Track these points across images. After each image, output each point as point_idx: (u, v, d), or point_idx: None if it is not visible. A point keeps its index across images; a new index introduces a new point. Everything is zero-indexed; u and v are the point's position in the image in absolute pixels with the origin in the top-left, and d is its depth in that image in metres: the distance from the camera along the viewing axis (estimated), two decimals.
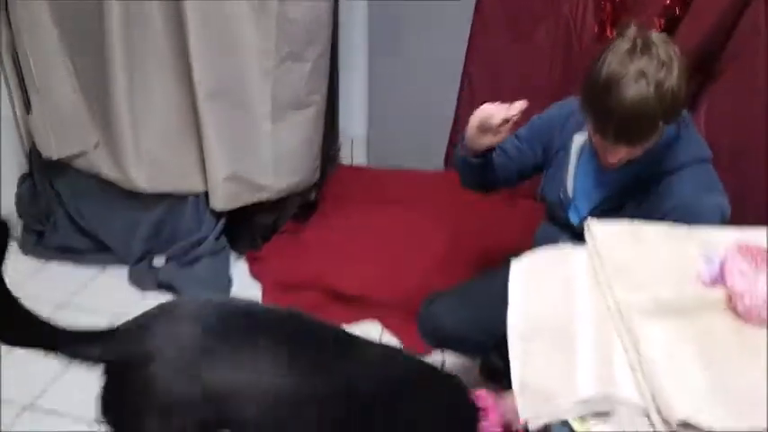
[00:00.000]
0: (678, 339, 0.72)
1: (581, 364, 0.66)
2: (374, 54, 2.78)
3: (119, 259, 2.46)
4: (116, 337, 1.18)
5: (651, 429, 0.68)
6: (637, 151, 1.35)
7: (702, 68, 1.88)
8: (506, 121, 1.43)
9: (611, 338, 0.70)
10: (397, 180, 2.83)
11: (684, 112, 1.45)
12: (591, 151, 1.52)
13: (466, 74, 2.63)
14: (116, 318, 1.26)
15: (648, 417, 0.67)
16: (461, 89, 2.67)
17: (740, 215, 1.66)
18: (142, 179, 2.27)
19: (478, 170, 1.60)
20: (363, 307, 2.24)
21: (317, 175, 2.52)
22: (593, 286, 0.78)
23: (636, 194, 1.44)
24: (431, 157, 2.89)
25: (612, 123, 1.28)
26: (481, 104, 2.86)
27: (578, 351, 0.68)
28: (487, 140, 1.48)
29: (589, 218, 1.38)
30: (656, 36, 1.29)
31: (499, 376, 2.02)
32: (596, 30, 2.25)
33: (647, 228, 0.90)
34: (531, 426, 0.64)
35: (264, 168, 2.30)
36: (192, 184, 2.31)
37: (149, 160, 2.25)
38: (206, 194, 2.33)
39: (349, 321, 2.18)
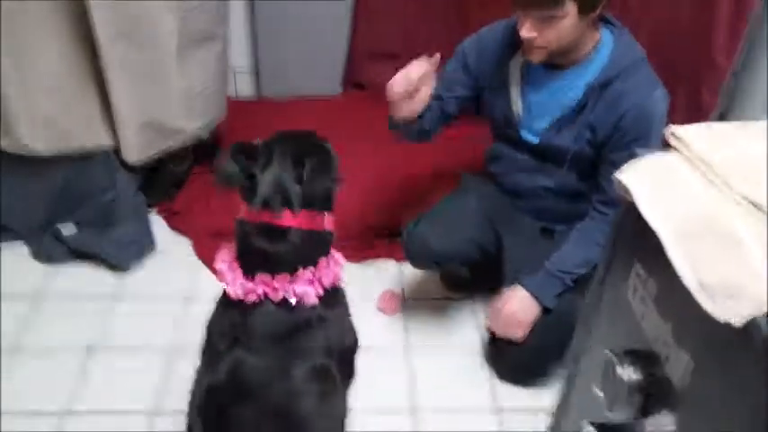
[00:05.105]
0: None
1: (754, 255, 0.67)
2: None
3: (13, 236, 2.17)
4: None
5: None
6: (547, 34, 1.46)
7: None
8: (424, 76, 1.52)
9: (760, 229, 0.75)
10: (298, 109, 2.73)
11: (616, 21, 1.60)
12: (539, 71, 1.62)
13: None
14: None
15: None
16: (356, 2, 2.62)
17: None
18: (39, 143, 1.98)
19: (420, 127, 1.70)
20: None
21: (225, 111, 2.36)
22: (709, 187, 0.83)
23: (589, 102, 1.57)
24: (325, 82, 2.83)
25: None
26: (377, 18, 2.84)
27: (743, 244, 0.69)
28: (413, 106, 1.57)
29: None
30: None
31: (462, 285, 2.15)
32: None
33: (720, 125, 0.99)
34: (737, 323, 0.65)
35: (177, 110, 2.11)
36: (98, 138, 2.05)
37: (44, 121, 1.95)
38: (114, 149, 2.09)
39: None
